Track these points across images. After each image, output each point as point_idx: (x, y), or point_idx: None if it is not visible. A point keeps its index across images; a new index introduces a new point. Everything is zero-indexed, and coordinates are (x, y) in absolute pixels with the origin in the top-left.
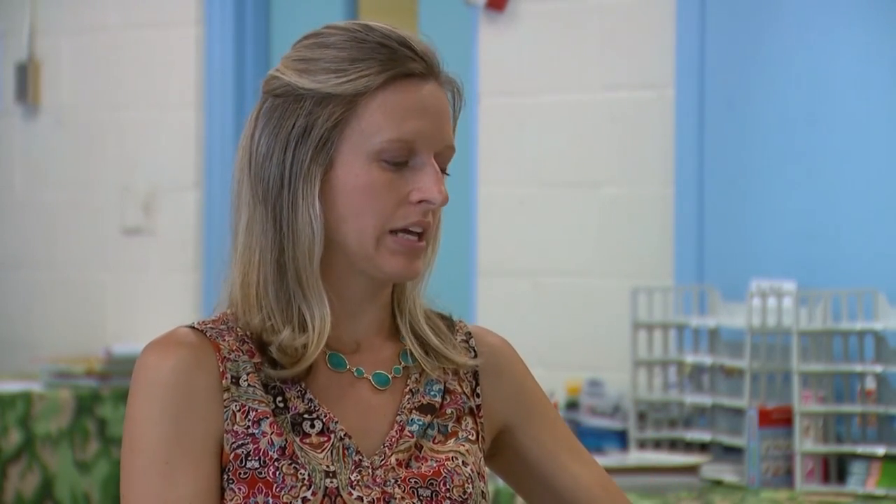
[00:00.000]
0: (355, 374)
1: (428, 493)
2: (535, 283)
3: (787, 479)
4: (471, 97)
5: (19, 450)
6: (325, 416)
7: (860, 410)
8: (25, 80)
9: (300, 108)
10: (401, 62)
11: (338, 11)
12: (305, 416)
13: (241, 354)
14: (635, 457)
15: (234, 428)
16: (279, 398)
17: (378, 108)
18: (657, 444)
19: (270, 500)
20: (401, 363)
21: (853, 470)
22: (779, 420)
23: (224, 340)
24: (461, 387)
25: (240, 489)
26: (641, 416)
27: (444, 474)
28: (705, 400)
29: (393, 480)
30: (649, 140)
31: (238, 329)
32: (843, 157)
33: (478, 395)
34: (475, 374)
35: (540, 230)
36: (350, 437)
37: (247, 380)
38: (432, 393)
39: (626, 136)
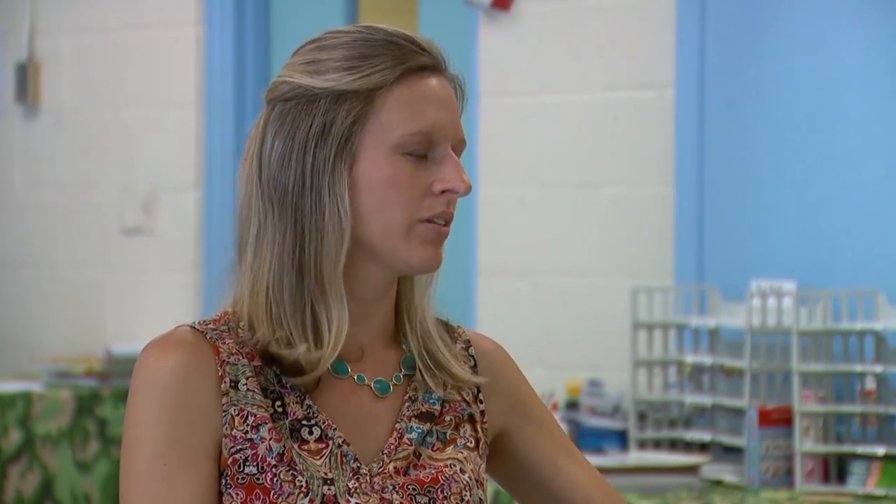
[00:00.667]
0: (356, 380)
1: (426, 499)
2: (534, 283)
3: (787, 479)
4: (471, 97)
5: (19, 450)
6: (324, 423)
7: (860, 410)
8: (25, 80)
9: (315, 108)
10: (411, 56)
11: (338, 11)
12: (304, 422)
13: (240, 358)
14: (635, 457)
15: (233, 432)
16: (278, 403)
17: (396, 102)
18: (657, 444)
19: None
20: (402, 370)
21: (853, 470)
22: (779, 420)
23: (224, 343)
24: (461, 394)
25: (237, 494)
26: (641, 416)
27: (442, 481)
28: (705, 400)
29: (391, 487)
30: (649, 140)
31: (238, 331)
32: (843, 157)
33: (481, 402)
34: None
35: (540, 230)
36: (348, 445)
37: (246, 384)
38: (431, 401)
39: (626, 136)
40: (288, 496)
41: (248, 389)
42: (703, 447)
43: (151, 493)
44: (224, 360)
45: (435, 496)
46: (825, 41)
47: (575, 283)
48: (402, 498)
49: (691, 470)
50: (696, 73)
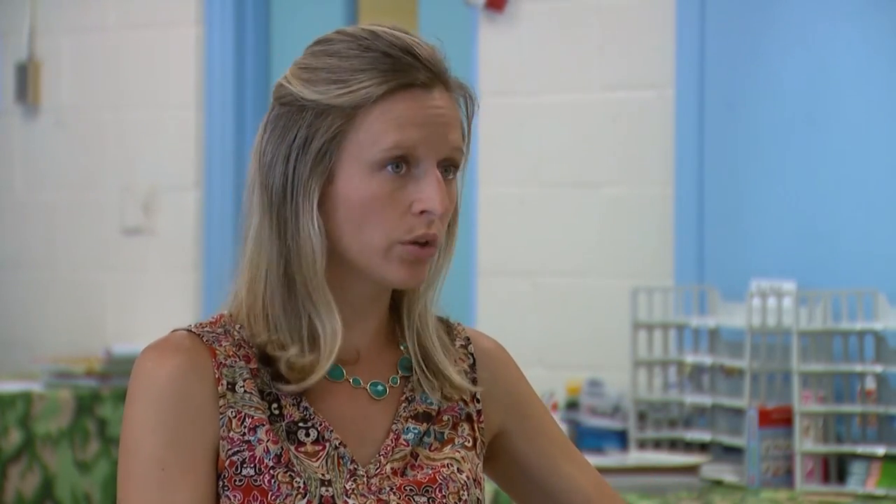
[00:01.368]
0: (352, 383)
1: (424, 499)
2: (534, 283)
3: (787, 479)
4: None
5: (19, 450)
6: (321, 425)
7: (860, 410)
8: (25, 80)
9: (302, 119)
10: (403, 73)
11: (338, 11)
12: (300, 424)
13: (237, 360)
14: (635, 457)
15: (230, 434)
16: (274, 405)
17: (377, 119)
18: (657, 444)
19: None
20: (398, 373)
21: (853, 470)
22: (779, 420)
23: (220, 346)
24: (458, 393)
25: (235, 496)
26: (641, 416)
27: (440, 481)
28: (705, 400)
29: (388, 489)
30: (649, 140)
31: (235, 333)
32: (842, 157)
33: (478, 401)
34: (473, 381)
35: (540, 230)
36: (345, 446)
37: (243, 386)
38: (429, 401)
39: (626, 136)
40: (286, 497)
41: (245, 392)
42: (703, 447)
43: (149, 499)
44: (221, 363)
45: (433, 495)
46: (825, 41)
47: (575, 283)
48: (399, 499)
49: (691, 470)
50: (696, 73)
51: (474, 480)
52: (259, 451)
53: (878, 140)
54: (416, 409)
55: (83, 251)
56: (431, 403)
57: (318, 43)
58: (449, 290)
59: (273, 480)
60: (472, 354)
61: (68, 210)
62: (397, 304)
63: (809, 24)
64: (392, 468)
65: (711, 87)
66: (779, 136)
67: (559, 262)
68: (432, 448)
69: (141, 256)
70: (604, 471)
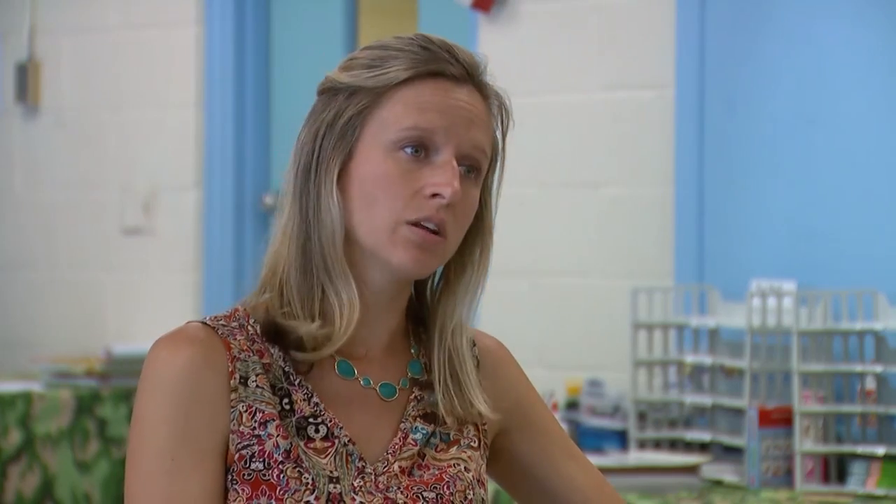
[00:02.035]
0: (362, 383)
1: (433, 495)
2: (534, 282)
3: (787, 479)
4: None
5: (19, 450)
6: (330, 421)
7: (860, 410)
8: (25, 80)
9: (335, 101)
10: (434, 62)
11: (338, 11)
12: (310, 419)
13: (251, 354)
14: (635, 457)
15: (241, 428)
16: (285, 400)
17: (400, 100)
18: (657, 444)
19: (274, 503)
20: (408, 374)
21: (853, 470)
22: (779, 420)
23: (235, 339)
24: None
25: (243, 490)
26: (641, 416)
27: (447, 479)
28: (705, 400)
29: (395, 487)
30: (649, 140)
31: (249, 327)
32: (842, 157)
33: (471, 404)
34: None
35: (540, 230)
36: (353, 444)
37: (255, 380)
38: (433, 399)
39: (626, 136)
40: (294, 493)
41: (257, 386)
42: (703, 447)
43: (158, 489)
44: (235, 357)
45: (441, 492)
46: (825, 41)
47: (575, 283)
48: (406, 498)
49: (691, 470)
50: (696, 73)
51: (479, 480)
52: (269, 446)
53: (878, 140)
54: (423, 410)
55: (83, 251)
56: (435, 402)
57: (369, 43)
58: None
59: (282, 475)
60: (476, 357)
61: (68, 210)
62: (427, 317)
63: (809, 24)
64: (400, 467)
65: (711, 87)
66: (779, 136)
67: (559, 262)
68: (438, 449)
69: (141, 256)
70: (604, 471)
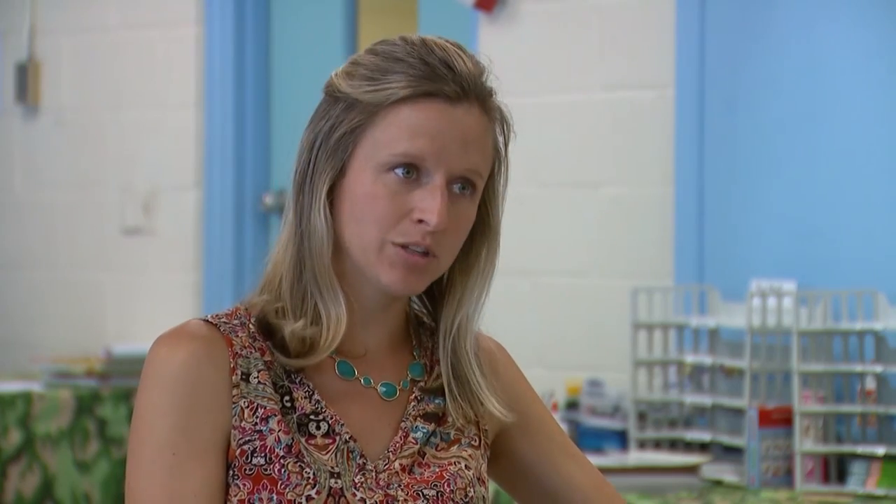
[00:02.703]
0: (363, 383)
1: (433, 493)
2: (534, 282)
3: (787, 479)
4: None
5: (19, 450)
6: (332, 418)
7: (860, 410)
8: (25, 80)
9: (333, 110)
10: (431, 81)
11: (338, 12)
12: (312, 416)
13: (252, 351)
14: (635, 457)
15: (242, 424)
16: (286, 397)
17: (394, 122)
18: (657, 444)
19: (275, 497)
20: (408, 376)
21: (853, 470)
22: (779, 420)
23: (237, 336)
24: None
25: (244, 485)
26: (641, 416)
27: (447, 477)
28: (705, 400)
29: (396, 484)
30: (649, 140)
31: (250, 325)
32: (842, 156)
33: (481, 404)
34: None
35: (540, 230)
36: (355, 441)
37: (257, 377)
38: (437, 401)
39: (626, 136)
40: (295, 487)
41: (258, 382)
42: (703, 447)
43: (159, 483)
44: (237, 353)
45: (442, 489)
46: (824, 41)
47: (575, 283)
48: (406, 495)
49: (691, 470)
50: (696, 73)
51: (479, 479)
52: (270, 441)
53: (878, 140)
54: (424, 409)
55: (83, 251)
56: (440, 403)
57: (376, 43)
58: None
59: (283, 470)
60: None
61: (68, 210)
62: (433, 319)
63: (809, 23)
64: (400, 465)
65: (711, 87)
66: (779, 135)
67: (559, 261)
68: (439, 448)
69: (141, 256)
70: (604, 471)
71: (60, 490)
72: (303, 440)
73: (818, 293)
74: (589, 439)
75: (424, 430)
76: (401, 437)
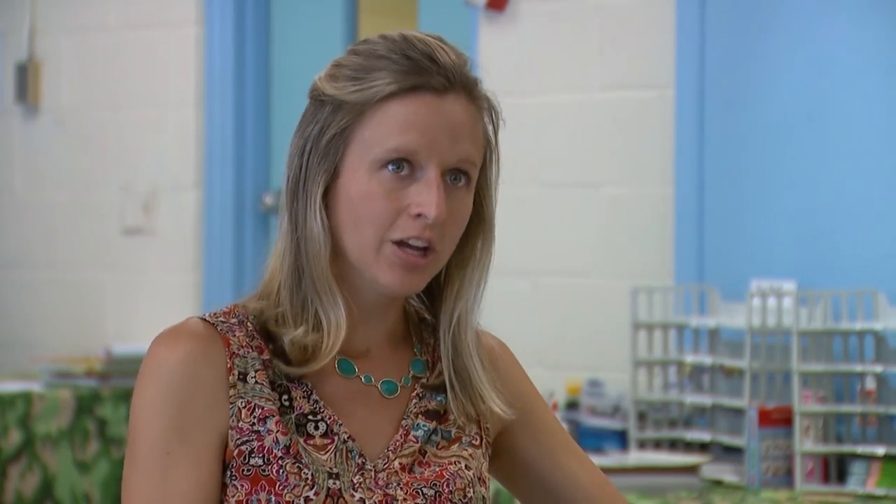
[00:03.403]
0: (363, 381)
1: (432, 492)
2: (534, 283)
3: (787, 479)
4: None
5: (19, 450)
6: (330, 418)
7: (860, 410)
8: (25, 80)
9: (321, 114)
10: (417, 75)
11: (338, 11)
12: (310, 416)
13: (250, 350)
14: (635, 457)
15: (239, 424)
16: (285, 397)
17: (383, 118)
18: (657, 444)
19: (273, 499)
20: (410, 372)
21: (853, 470)
22: (779, 420)
23: (234, 336)
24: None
25: (242, 486)
26: (641, 416)
27: (447, 477)
28: (705, 400)
29: (395, 483)
30: (649, 140)
31: (249, 324)
32: (843, 156)
33: (482, 399)
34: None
35: (540, 230)
36: (354, 440)
37: (254, 377)
38: (439, 398)
39: (626, 136)
40: (293, 488)
41: (256, 382)
42: (703, 447)
43: (152, 482)
44: (234, 353)
45: (440, 489)
46: (825, 41)
47: (575, 283)
48: (405, 494)
49: (691, 470)
50: (696, 73)
51: (479, 479)
52: (268, 442)
53: (878, 140)
54: (426, 406)
55: (83, 251)
56: (442, 401)
57: (356, 43)
58: None
59: (281, 471)
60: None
61: (68, 210)
62: (432, 315)
63: (809, 24)
64: (400, 464)
65: (711, 87)
66: (779, 136)
67: (559, 262)
68: (440, 446)
69: (141, 256)
70: (604, 471)
71: (60, 490)
72: (301, 440)
73: (818, 293)
74: (589, 439)
75: (426, 428)
76: (401, 436)
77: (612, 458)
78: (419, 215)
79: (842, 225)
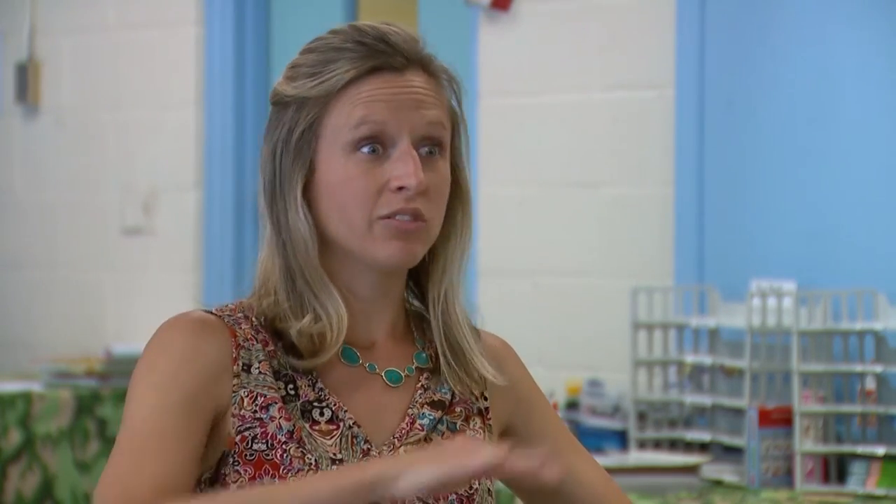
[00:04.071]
0: (367, 369)
1: None
2: (535, 283)
3: (787, 479)
4: (471, 97)
5: (19, 450)
6: (335, 405)
7: (860, 410)
8: (25, 80)
9: (286, 116)
10: (372, 57)
11: (338, 11)
12: (315, 403)
13: (255, 343)
14: (635, 457)
15: (242, 412)
16: (290, 386)
17: (347, 102)
18: (657, 444)
19: (277, 482)
20: (414, 363)
21: (853, 470)
22: (779, 420)
23: (240, 328)
24: (470, 388)
25: (245, 471)
26: (641, 416)
27: None
28: (705, 400)
29: None
30: (649, 140)
31: (254, 319)
32: (843, 156)
33: (486, 399)
34: (482, 378)
35: (540, 230)
36: (359, 426)
37: (258, 367)
38: (443, 390)
39: (626, 136)
40: (297, 472)
41: (259, 372)
42: (703, 447)
43: (138, 458)
44: (240, 344)
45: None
46: (825, 41)
47: (575, 283)
48: None
49: (691, 470)
50: (696, 73)
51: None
52: (271, 428)
53: (878, 140)
54: (431, 398)
55: (83, 251)
56: (446, 393)
57: (308, 43)
58: None
59: (285, 455)
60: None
61: (68, 210)
62: (422, 296)
63: (809, 23)
64: (405, 451)
65: (711, 87)
66: (779, 135)
67: (559, 262)
68: (444, 437)
69: (141, 256)
70: None
71: (60, 490)
72: (307, 426)
73: (818, 293)
74: (589, 439)
75: (431, 418)
76: (407, 424)
77: (612, 458)
78: (401, 188)
79: (842, 225)
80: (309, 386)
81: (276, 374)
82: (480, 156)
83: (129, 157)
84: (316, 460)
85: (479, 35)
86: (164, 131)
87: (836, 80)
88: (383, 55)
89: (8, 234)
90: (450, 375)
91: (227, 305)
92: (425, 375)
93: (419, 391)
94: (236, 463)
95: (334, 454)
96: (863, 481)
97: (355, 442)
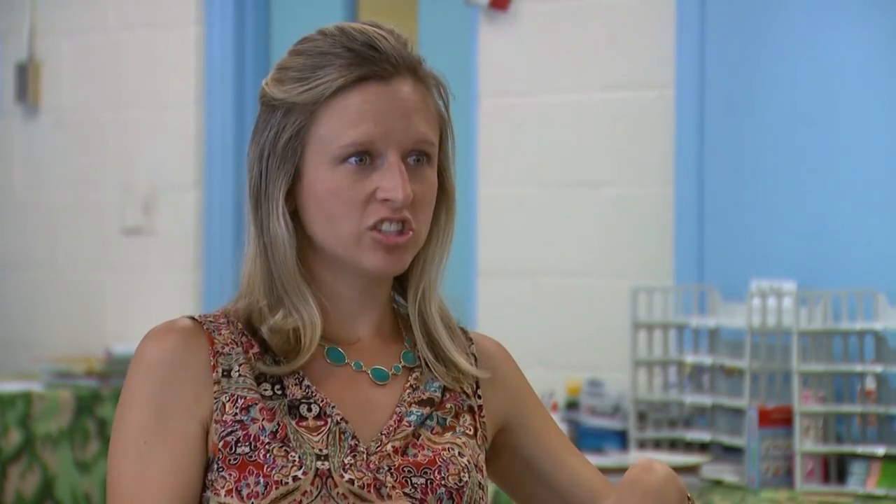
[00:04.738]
0: (354, 367)
1: (422, 480)
2: (535, 283)
3: (787, 479)
4: (471, 97)
5: (19, 450)
6: (322, 401)
7: (860, 410)
8: (25, 80)
9: (273, 119)
10: (360, 66)
11: (338, 11)
12: (303, 400)
13: (235, 347)
14: (635, 457)
15: (224, 418)
16: (277, 386)
17: (334, 114)
18: (657, 444)
19: (262, 480)
20: (401, 362)
21: (853, 470)
22: (779, 420)
23: (220, 334)
24: (461, 385)
25: (231, 475)
26: (641, 416)
27: (440, 463)
28: (705, 400)
29: (386, 468)
30: (649, 140)
31: (238, 323)
32: (843, 157)
33: (479, 397)
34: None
35: (540, 230)
36: (347, 422)
37: (238, 370)
38: (433, 388)
39: (626, 136)
40: (281, 469)
41: (239, 375)
42: (703, 447)
43: (129, 470)
44: (218, 351)
45: (432, 477)
46: (825, 41)
47: (575, 283)
48: (395, 480)
49: (691, 470)
50: (696, 73)
51: (475, 466)
52: (253, 430)
53: (878, 140)
54: (420, 397)
55: (83, 251)
56: (435, 391)
57: (297, 42)
58: (449, 290)
59: (268, 454)
60: (474, 354)
61: (68, 210)
62: (403, 293)
63: (809, 24)
64: (393, 447)
65: (711, 87)
66: (779, 136)
67: (559, 262)
68: (434, 431)
69: (141, 256)
70: (604, 471)
71: (60, 490)
72: (293, 423)
73: (818, 293)
74: (589, 439)
75: (419, 414)
76: (395, 421)
77: (612, 458)
78: (386, 200)
79: (842, 225)
80: (296, 384)
81: (262, 376)
82: (480, 156)
83: (129, 157)
84: (300, 457)
85: (478, 35)
86: (163, 131)
87: (836, 80)
88: (370, 62)
89: (8, 234)
90: (435, 369)
91: (213, 312)
92: (414, 375)
93: (408, 391)
94: (221, 469)
95: (320, 450)
96: (863, 481)
97: (343, 437)
